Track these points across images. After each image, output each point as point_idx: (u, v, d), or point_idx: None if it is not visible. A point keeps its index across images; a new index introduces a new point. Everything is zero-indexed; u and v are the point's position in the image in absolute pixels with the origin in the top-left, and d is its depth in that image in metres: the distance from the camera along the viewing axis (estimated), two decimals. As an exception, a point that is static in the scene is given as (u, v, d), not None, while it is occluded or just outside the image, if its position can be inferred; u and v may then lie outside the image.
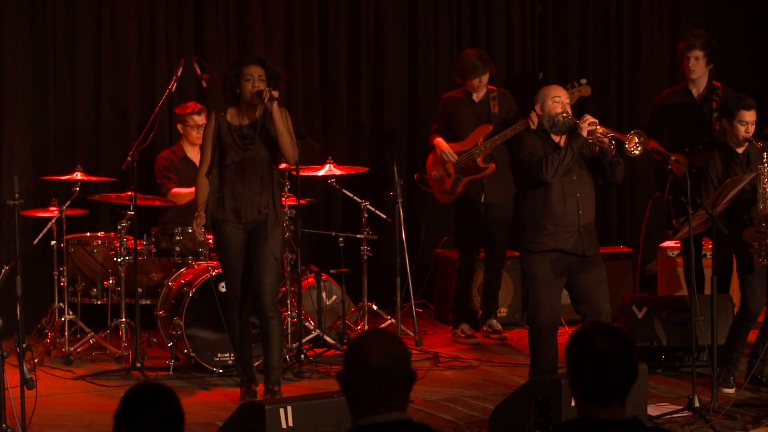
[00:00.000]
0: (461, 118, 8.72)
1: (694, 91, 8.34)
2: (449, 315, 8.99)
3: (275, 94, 6.82)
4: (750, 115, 7.20)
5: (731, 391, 7.08)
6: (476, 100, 8.72)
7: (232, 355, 7.52)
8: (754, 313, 7.21)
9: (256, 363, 7.30)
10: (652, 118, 8.56)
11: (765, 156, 7.14)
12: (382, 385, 3.20)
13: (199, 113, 8.48)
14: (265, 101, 6.76)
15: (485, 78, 8.66)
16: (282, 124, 6.82)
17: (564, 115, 7.08)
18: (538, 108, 7.15)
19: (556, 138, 7.10)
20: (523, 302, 7.36)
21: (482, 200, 8.68)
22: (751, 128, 7.22)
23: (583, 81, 8.03)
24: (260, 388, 7.06)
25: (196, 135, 8.46)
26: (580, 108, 8.83)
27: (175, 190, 8.46)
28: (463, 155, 8.65)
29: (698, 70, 8.29)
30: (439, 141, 8.71)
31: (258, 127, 6.87)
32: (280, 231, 7.03)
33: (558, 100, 7.10)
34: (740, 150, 7.27)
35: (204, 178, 6.98)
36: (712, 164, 7.31)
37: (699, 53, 8.24)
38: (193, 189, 7.40)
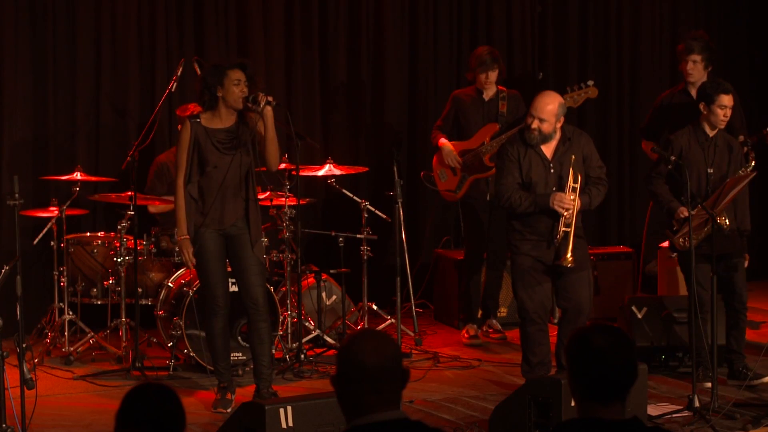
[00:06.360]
0: (469, 116, 8.72)
1: (693, 93, 8.34)
2: (460, 315, 8.96)
3: (271, 99, 6.68)
4: (728, 99, 7.42)
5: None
6: (485, 99, 8.73)
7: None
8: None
9: (248, 367, 7.22)
10: (652, 120, 8.57)
11: (751, 161, 7.45)
12: (378, 385, 3.19)
13: None
14: (261, 106, 6.60)
15: (492, 75, 8.65)
16: (274, 130, 6.70)
17: (536, 132, 7.07)
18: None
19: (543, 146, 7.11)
20: (513, 293, 7.37)
21: (487, 198, 8.68)
22: (728, 112, 7.43)
23: (590, 83, 8.01)
24: (236, 398, 6.95)
25: None
26: (582, 107, 8.83)
27: (153, 209, 8.50)
28: (469, 154, 8.65)
29: (696, 73, 8.30)
30: (444, 143, 8.71)
31: (251, 134, 6.70)
32: (260, 233, 6.99)
33: (533, 113, 7.08)
34: (711, 134, 7.46)
35: (182, 189, 6.75)
36: (680, 135, 7.48)
37: (696, 57, 8.26)
38: (169, 205, 7.65)
